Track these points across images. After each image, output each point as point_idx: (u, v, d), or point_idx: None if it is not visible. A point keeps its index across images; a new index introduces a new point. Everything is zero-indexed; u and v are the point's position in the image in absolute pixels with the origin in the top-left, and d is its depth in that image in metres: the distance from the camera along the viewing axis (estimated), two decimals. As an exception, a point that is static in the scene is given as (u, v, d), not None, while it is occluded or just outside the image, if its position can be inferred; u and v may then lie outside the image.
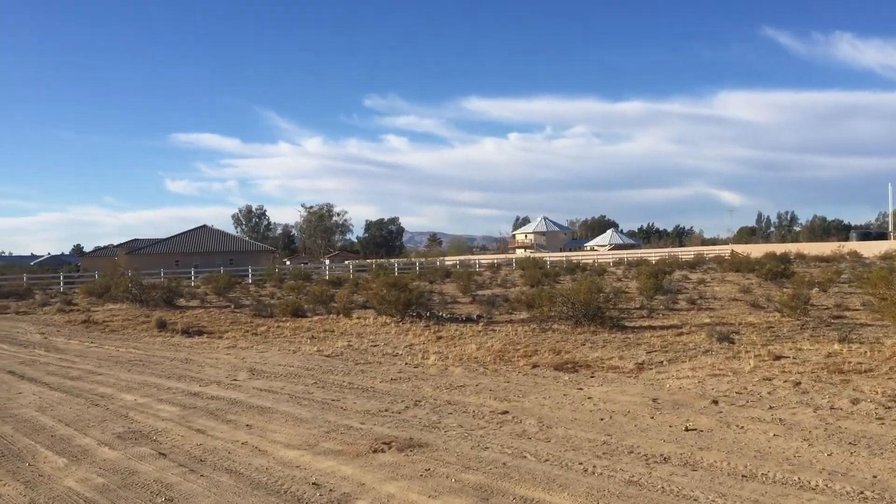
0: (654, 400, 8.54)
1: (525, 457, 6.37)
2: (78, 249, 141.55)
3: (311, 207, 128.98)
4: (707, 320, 16.38)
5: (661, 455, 6.31)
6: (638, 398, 8.69)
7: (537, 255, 75.92)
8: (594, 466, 6.00)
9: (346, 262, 76.43)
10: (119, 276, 30.85)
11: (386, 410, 8.49)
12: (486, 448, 6.70)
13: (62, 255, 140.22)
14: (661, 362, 11.14)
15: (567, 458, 6.27)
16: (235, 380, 10.96)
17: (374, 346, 14.31)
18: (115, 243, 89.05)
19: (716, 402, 8.29)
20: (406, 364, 11.98)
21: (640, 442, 6.76)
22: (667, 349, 12.33)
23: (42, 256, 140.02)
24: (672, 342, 13.08)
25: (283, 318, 20.18)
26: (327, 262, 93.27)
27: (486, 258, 78.48)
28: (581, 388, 9.45)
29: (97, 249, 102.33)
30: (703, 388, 9.09)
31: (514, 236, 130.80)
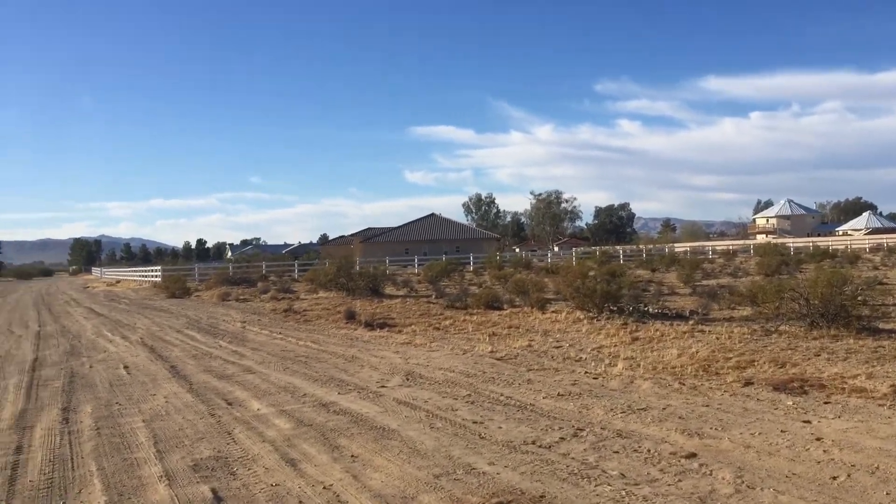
0: (919, 450, 5.84)
1: (699, 546, 4.17)
2: (324, 238, 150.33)
3: (540, 195, 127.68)
4: None
5: (930, 563, 3.86)
6: (893, 444, 6.03)
7: (780, 240, 69.15)
8: (808, 581, 3.70)
9: (574, 249, 74.14)
10: (326, 265, 31.06)
11: (533, 442, 6.53)
12: (644, 523, 4.56)
13: (310, 243, 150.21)
14: (931, 385, 8.15)
15: (766, 556, 4.00)
16: (383, 386, 9.47)
17: (558, 347, 12.28)
18: (354, 232, 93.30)
19: None
20: (585, 373, 9.87)
21: (894, 530, 4.30)
22: (939, 365, 9.19)
23: (293, 245, 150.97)
24: (947, 354, 9.85)
25: (475, 310, 18.66)
26: (556, 249, 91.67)
27: (721, 244, 72.85)
28: (808, 422, 6.88)
29: (337, 238, 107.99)
30: None
31: (754, 221, 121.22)
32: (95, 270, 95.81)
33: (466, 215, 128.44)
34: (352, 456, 6.31)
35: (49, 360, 13.62)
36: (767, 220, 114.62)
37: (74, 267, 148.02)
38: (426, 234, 74.94)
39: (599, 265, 30.83)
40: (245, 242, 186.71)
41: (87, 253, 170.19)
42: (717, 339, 12.04)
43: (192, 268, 52.20)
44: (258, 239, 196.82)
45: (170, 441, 7.04)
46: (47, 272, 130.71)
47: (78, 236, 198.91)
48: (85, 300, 34.92)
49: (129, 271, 67.61)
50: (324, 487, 5.50)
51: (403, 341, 14.06)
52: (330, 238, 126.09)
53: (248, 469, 6.04)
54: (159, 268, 51.17)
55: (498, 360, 11.28)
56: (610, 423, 7.15)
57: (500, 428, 7.10)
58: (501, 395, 8.65)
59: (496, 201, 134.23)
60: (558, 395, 8.53)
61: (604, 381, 9.29)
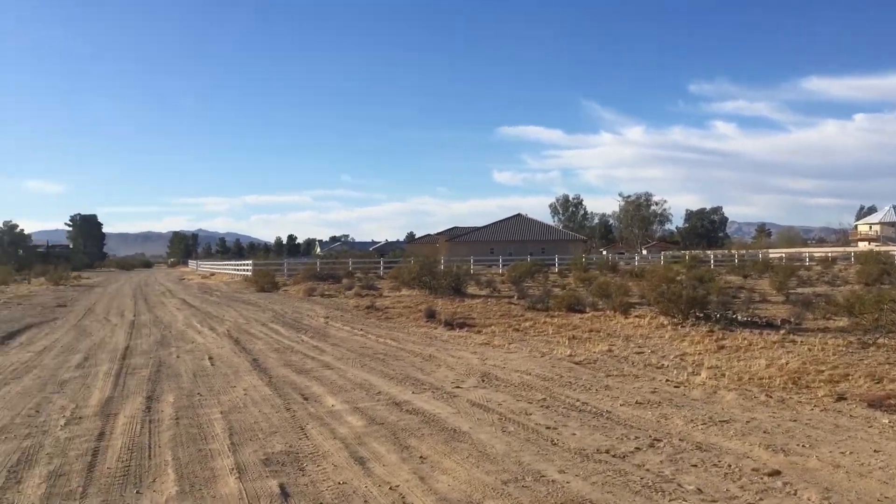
0: None
1: (777, 572, 3.92)
2: (410, 236, 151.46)
3: (629, 197, 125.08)
4: None
5: None
6: None
7: (883, 248, 65.94)
8: None
9: (662, 252, 72.54)
10: (411, 263, 31.24)
11: (606, 452, 6.32)
12: (718, 543, 4.33)
13: (396, 241, 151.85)
14: None
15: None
16: (458, 387, 9.39)
17: (639, 353, 11.95)
18: (440, 231, 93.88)
19: None
20: (667, 380, 9.56)
21: None
22: None
23: (380, 243, 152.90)
24: None
25: (556, 313, 18.40)
26: (644, 252, 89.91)
27: (819, 251, 69.97)
28: (905, 442, 6.45)
29: (423, 237, 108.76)
30: None
31: (856, 227, 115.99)
32: (191, 263, 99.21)
33: (553, 216, 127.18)
34: (420, 457, 6.25)
35: (139, 348, 14.10)
36: (870, 227, 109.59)
37: (172, 259, 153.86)
38: (512, 235, 74.63)
39: (688, 270, 30.04)
40: (334, 239, 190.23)
41: (185, 246, 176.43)
42: (810, 350, 11.50)
43: (281, 263, 53.40)
44: (347, 236, 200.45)
45: (244, 434, 7.14)
46: (147, 264, 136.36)
47: (177, 230, 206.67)
48: (179, 292, 36.15)
49: (223, 265, 69.60)
50: (390, 488, 5.45)
51: (482, 342, 13.96)
52: (416, 236, 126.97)
53: (318, 465, 6.05)
54: (250, 262, 52.44)
55: (576, 364, 11.05)
56: (689, 434, 6.87)
57: (574, 435, 6.92)
58: (577, 400, 8.45)
59: (584, 203, 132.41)
60: (636, 402, 8.27)
61: (685, 390, 8.96)
